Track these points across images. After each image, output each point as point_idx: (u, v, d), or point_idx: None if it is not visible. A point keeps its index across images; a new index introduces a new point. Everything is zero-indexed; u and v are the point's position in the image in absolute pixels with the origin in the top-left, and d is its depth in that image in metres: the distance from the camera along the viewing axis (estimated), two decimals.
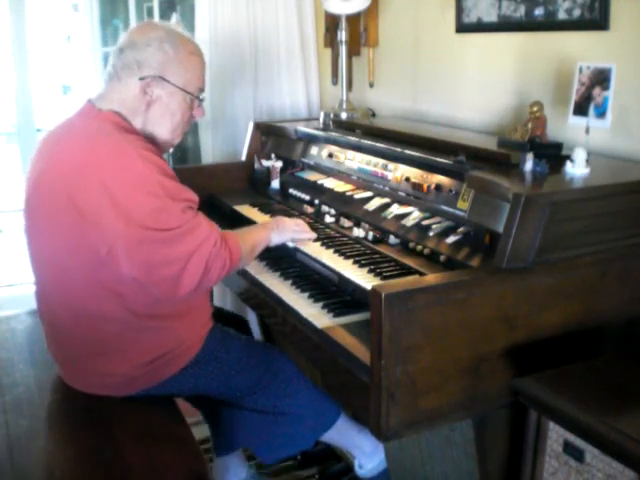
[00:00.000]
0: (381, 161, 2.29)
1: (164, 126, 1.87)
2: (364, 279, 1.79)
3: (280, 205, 2.55)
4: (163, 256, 1.67)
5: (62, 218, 1.71)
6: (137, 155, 1.69)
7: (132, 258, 1.68)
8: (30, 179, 1.84)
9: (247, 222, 2.42)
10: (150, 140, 1.85)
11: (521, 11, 2.31)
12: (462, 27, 2.57)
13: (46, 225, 1.78)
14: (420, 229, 1.95)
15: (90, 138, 1.75)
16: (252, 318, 3.30)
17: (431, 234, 1.90)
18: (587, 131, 1.88)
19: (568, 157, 1.82)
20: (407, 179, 2.14)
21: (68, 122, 1.87)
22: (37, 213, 1.80)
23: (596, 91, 1.89)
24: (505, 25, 2.39)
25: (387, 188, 2.23)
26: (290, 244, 2.08)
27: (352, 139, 2.45)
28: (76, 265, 1.75)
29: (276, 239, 2.04)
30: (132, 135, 1.78)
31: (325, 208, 2.35)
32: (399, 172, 2.20)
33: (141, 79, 1.81)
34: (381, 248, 1.97)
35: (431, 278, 1.60)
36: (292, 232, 2.07)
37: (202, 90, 1.95)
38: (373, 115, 2.95)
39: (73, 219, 1.69)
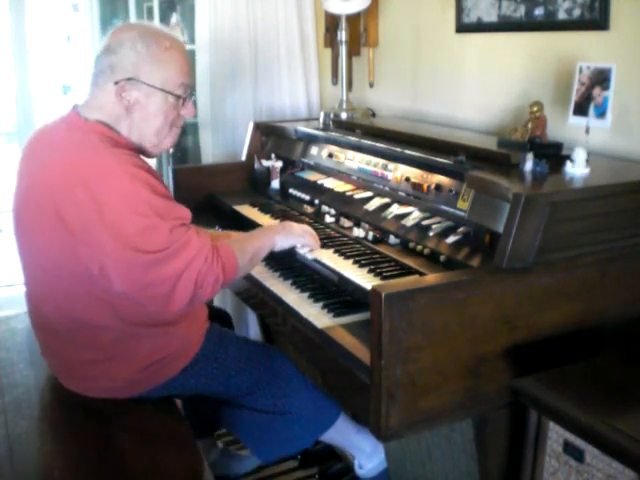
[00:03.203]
0: (381, 161, 2.29)
1: (147, 130, 1.80)
2: (364, 279, 1.79)
3: (280, 205, 2.54)
4: (153, 276, 1.64)
5: (51, 234, 1.69)
6: (124, 172, 1.64)
7: (122, 278, 1.65)
8: (18, 187, 1.80)
9: (247, 222, 2.42)
10: (140, 147, 1.82)
11: (521, 11, 2.31)
12: (462, 27, 2.57)
13: (35, 237, 1.75)
14: (420, 229, 1.95)
15: (75, 153, 1.69)
16: (252, 318, 3.30)
17: (431, 234, 1.90)
18: (587, 131, 1.88)
19: (568, 157, 1.82)
20: (407, 179, 2.14)
21: (55, 129, 1.82)
22: (25, 223, 1.78)
23: (596, 91, 1.89)
24: (505, 25, 2.39)
25: (387, 188, 2.23)
26: (308, 255, 2.02)
27: (352, 139, 2.45)
28: (67, 278, 1.72)
29: (281, 243, 1.97)
30: (119, 149, 1.71)
31: (325, 208, 2.35)
32: (399, 172, 2.20)
33: (116, 83, 1.74)
34: (381, 248, 1.97)
35: (431, 278, 1.60)
36: (297, 237, 2.00)
37: (187, 86, 1.84)
38: (373, 115, 2.95)
39: (62, 236, 1.66)
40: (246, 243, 1.89)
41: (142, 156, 1.84)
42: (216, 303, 3.18)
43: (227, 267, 1.74)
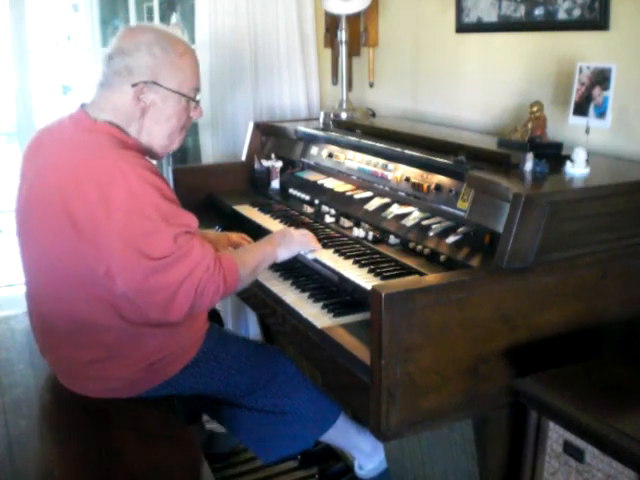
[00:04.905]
0: (381, 161, 2.29)
1: (160, 131, 1.83)
2: (364, 279, 1.79)
3: (280, 205, 2.54)
4: (154, 283, 1.65)
5: (57, 232, 1.69)
6: (133, 174, 1.65)
7: (124, 280, 1.66)
8: (23, 184, 1.81)
9: (247, 222, 2.42)
10: (148, 149, 1.83)
11: (521, 11, 2.31)
12: (462, 27, 2.57)
13: (39, 236, 1.76)
14: (420, 229, 1.95)
15: (85, 152, 1.70)
16: (252, 318, 3.31)
17: (431, 234, 1.90)
18: (587, 131, 1.88)
19: (568, 157, 1.82)
20: (407, 179, 2.14)
21: (62, 127, 1.82)
22: (30, 221, 1.78)
23: (596, 91, 1.89)
24: (505, 25, 2.39)
25: (387, 188, 2.23)
26: (308, 256, 2.02)
27: (352, 139, 2.45)
28: (71, 277, 1.73)
29: (283, 254, 1.97)
30: (129, 151, 1.72)
31: (325, 208, 2.35)
32: (399, 172, 2.20)
33: (134, 85, 1.76)
34: (381, 248, 1.97)
35: (431, 278, 1.60)
36: (299, 244, 2.00)
37: (197, 89, 1.90)
38: (373, 115, 2.95)
39: (69, 234, 1.67)
40: (248, 255, 1.90)
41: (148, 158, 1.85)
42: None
43: (228, 277, 1.75)
